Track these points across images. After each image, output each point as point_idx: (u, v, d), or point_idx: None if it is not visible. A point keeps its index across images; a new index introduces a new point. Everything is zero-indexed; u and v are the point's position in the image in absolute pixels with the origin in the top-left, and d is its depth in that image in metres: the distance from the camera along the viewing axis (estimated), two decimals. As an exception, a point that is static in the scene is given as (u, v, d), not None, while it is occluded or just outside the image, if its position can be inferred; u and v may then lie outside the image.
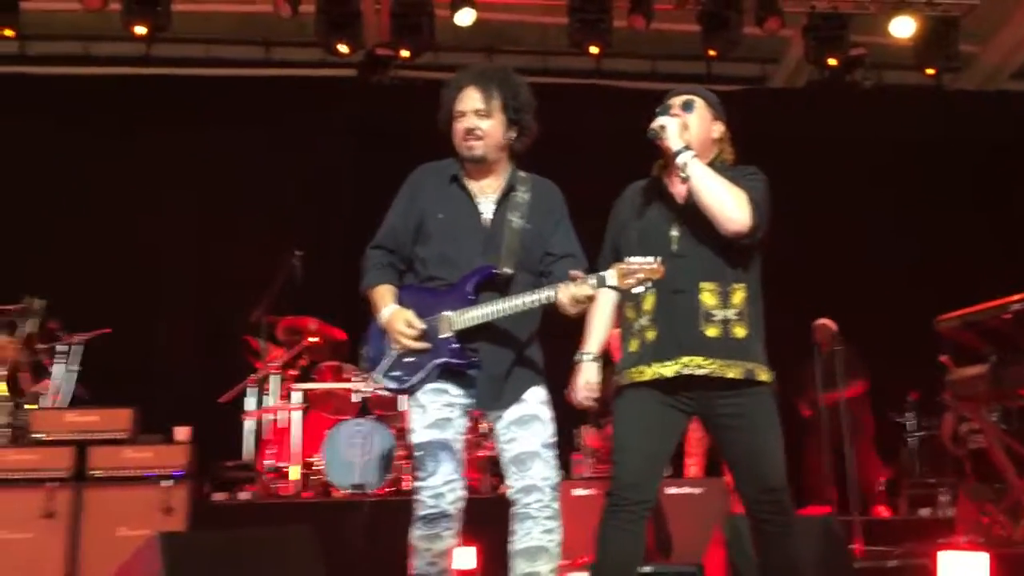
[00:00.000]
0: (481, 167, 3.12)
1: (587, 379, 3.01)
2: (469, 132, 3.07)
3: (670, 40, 8.57)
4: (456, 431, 3.01)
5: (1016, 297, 4.26)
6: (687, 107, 2.97)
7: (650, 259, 2.69)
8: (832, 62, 7.96)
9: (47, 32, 8.46)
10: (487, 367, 3.01)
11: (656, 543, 5.06)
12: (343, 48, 7.56)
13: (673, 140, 2.87)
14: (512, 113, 3.10)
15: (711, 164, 2.94)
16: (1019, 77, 9.38)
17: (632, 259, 2.70)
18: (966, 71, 9.30)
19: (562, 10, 7.68)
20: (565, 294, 2.80)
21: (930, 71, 8.16)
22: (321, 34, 7.52)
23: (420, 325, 2.98)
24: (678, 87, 3.09)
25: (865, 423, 7.01)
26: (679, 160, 2.85)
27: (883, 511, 6.73)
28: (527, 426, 2.99)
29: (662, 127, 2.88)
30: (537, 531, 2.92)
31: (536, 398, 3.05)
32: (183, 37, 8.62)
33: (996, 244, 8.60)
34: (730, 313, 2.81)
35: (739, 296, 2.84)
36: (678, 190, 2.96)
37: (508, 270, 3.01)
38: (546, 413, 3.05)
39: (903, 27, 7.79)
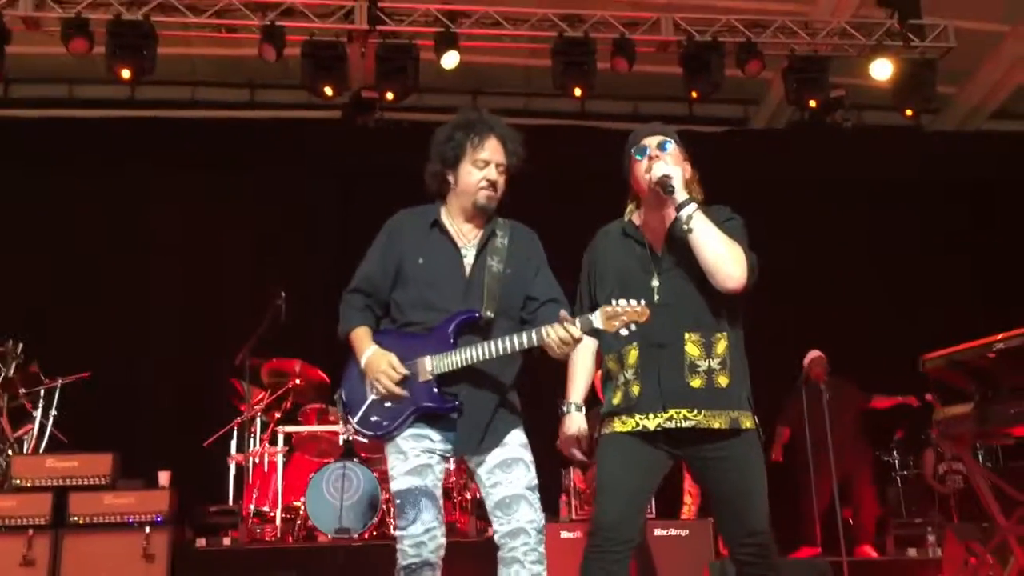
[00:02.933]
0: (474, 215, 3.13)
1: (579, 428, 2.99)
2: (492, 185, 3.09)
3: (652, 82, 8.67)
4: (435, 477, 2.99)
5: (1000, 336, 4.26)
6: (662, 147, 2.92)
7: (634, 302, 2.69)
8: (812, 104, 8.05)
9: (31, 75, 8.48)
10: (469, 412, 2.99)
11: None
12: (328, 91, 7.59)
13: (679, 191, 2.81)
14: (516, 169, 3.16)
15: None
16: (997, 117, 9.53)
17: (619, 302, 2.70)
18: (944, 112, 9.45)
19: (546, 53, 7.77)
20: (552, 337, 2.79)
21: (909, 112, 8.26)
22: (306, 77, 7.55)
23: (403, 369, 2.97)
24: (643, 127, 3.04)
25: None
26: (684, 212, 2.80)
27: (869, 551, 6.69)
28: (510, 469, 2.97)
29: (669, 176, 2.82)
30: (524, 575, 2.90)
31: (517, 441, 3.03)
32: (168, 79, 8.66)
33: (976, 283, 8.68)
34: (714, 363, 2.80)
35: (722, 345, 2.83)
36: (655, 237, 2.94)
37: (490, 314, 3.00)
38: (528, 456, 3.03)
39: (882, 69, 7.91)
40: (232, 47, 8.17)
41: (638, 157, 2.95)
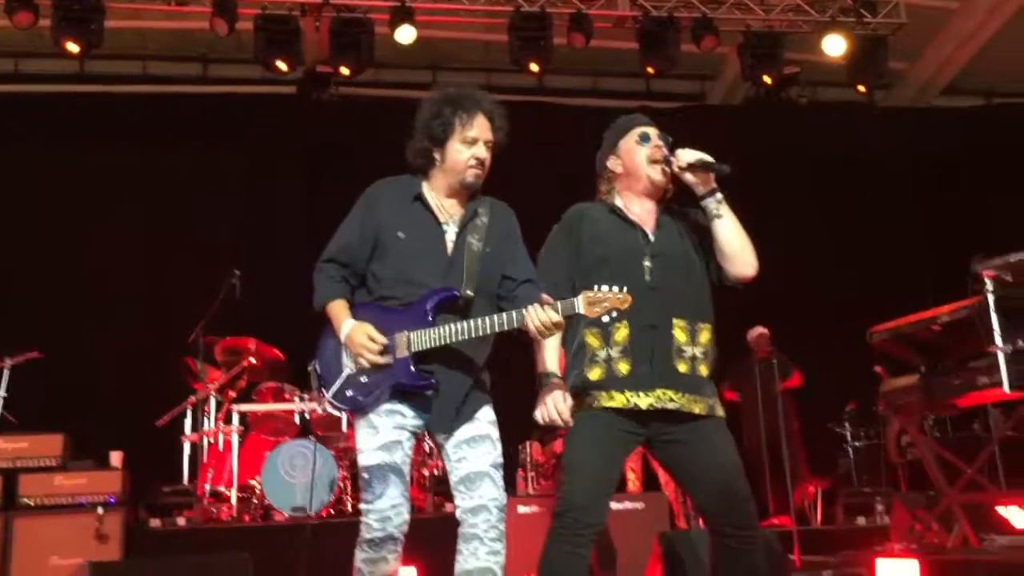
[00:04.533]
0: (459, 192, 3.08)
1: (565, 395, 2.88)
2: (480, 163, 3.03)
3: (611, 58, 8.67)
4: (404, 453, 2.96)
5: (945, 309, 4.35)
6: (664, 140, 3.01)
7: (616, 288, 2.68)
8: (767, 79, 8.10)
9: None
10: (444, 390, 2.95)
11: (599, 560, 5.07)
12: (282, 65, 7.48)
13: (707, 179, 2.91)
14: (499, 146, 3.12)
15: (664, 200, 3.01)
16: (947, 94, 9.66)
17: (601, 288, 2.68)
18: (896, 88, 9.56)
19: (504, 28, 7.72)
20: (533, 320, 2.75)
21: (861, 88, 8.35)
22: (259, 51, 7.44)
23: (382, 340, 2.91)
24: (632, 116, 3.12)
25: (793, 426, 7.12)
26: (716, 197, 2.89)
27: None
28: (477, 446, 2.95)
29: (704, 157, 2.90)
30: (483, 552, 2.88)
31: (487, 417, 3.00)
32: (119, 54, 8.50)
33: (927, 255, 8.82)
34: (697, 351, 2.85)
35: (705, 336, 2.88)
36: (643, 220, 2.96)
37: (470, 293, 2.96)
38: (495, 433, 3.00)
39: (835, 45, 7.98)
40: (184, 20, 8.03)
41: (643, 143, 2.99)
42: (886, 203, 9.20)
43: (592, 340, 2.89)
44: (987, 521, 4.55)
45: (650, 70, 7.97)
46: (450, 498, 5.79)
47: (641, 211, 2.99)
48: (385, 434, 2.93)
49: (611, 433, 2.81)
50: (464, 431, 2.96)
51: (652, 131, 3.04)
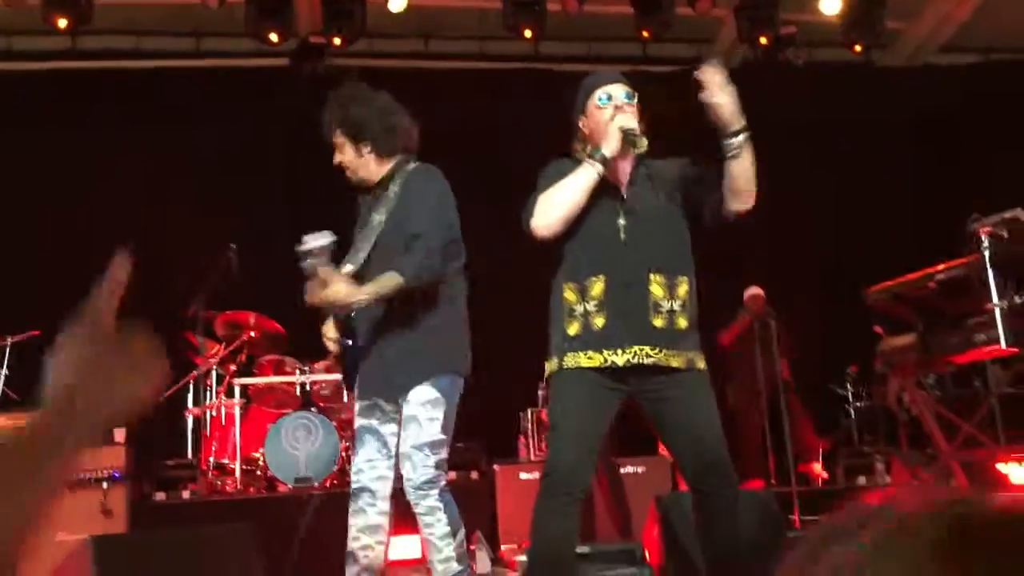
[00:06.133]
0: (367, 186, 3.34)
1: None
2: (342, 169, 3.33)
3: (605, 23, 8.59)
4: (383, 415, 3.20)
5: (940, 267, 4.34)
6: (629, 98, 2.97)
7: None
8: (764, 41, 8.04)
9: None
10: (369, 356, 3.18)
11: (619, 523, 5.11)
12: (274, 37, 7.45)
13: (737, 116, 2.82)
14: (351, 132, 3.21)
15: (638, 155, 2.97)
16: (945, 51, 9.58)
17: None
18: (893, 47, 9.48)
19: (497, -6, 7.66)
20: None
21: (858, 48, 8.28)
22: (251, 23, 7.40)
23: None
24: (602, 74, 3.07)
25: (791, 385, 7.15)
26: (740, 137, 2.81)
27: (817, 468, 6.85)
28: (406, 427, 3.10)
29: (635, 130, 2.85)
30: (421, 527, 3.07)
31: (418, 399, 3.08)
32: (110, 29, 8.43)
33: (927, 215, 8.79)
34: (675, 304, 2.84)
35: (683, 289, 2.87)
36: (618, 177, 2.95)
37: (351, 267, 3.19)
38: (425, 413, 3.06)
39: (831, 4, 7.90)
40: (175, -7, 7.98)
41: (602, 103, 2.95)
42: (884, 162, 9.15)
43: (569, 295, 2.90)
44: (986, 478, 4.58)
45: (645, 34, 7.92)
46: (452, 466, 5.87)
47: (614, 168, 2.97)
48: (361, 398, 3.22)
49: (593, 391, 2.83)
50: (403, 410, 3.12)
51: (617, 90, 2.97)
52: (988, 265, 3.97)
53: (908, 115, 9.24)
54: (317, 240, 3.06)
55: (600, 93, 2.97)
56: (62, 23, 6.95)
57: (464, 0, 8.59)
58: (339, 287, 2.98)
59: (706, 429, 2.84)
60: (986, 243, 3.98)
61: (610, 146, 2.86)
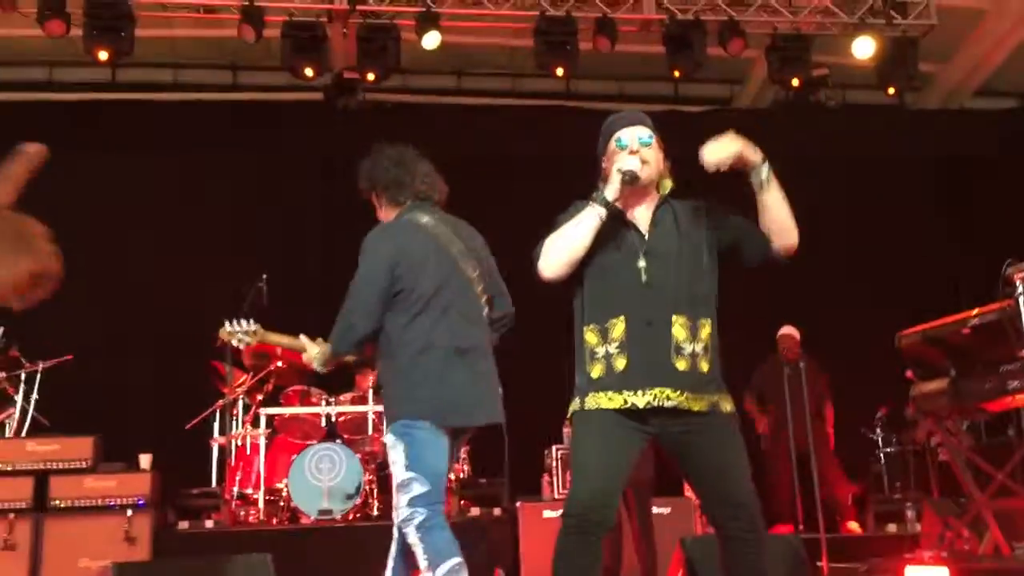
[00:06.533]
0: None
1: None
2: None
3: (637, 62, 8.65)
4: None
5: (974, 312, 4.30)
6: (644, 142, 2.95)
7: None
8: (795, 82, 8.04)
9: (9, 58, 8.41)
10: None
11: (644, 567, 5.05)
12: (309, 72, 7.55)
13: (752, 151, 2.87)
14: (367, 183, 3.53)
15: (662, 196, 2.98)
16: (979, 95, 9.53)
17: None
18: (927, 90, 9.45)
19: (529, 32, 7.73)
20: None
21: (891, 90, 8.26)
22: (287, 58, 7.51)
23: None
24: (623, 114, 3.06)
25: (826, 436, 7.03)
26: (764, 172, 2.85)
27: (854, 526, 6.74)
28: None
29: (635, 172, 2.85)
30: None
31: (387, 445, 3.25)
32: (150, 62, 8.61)
33: (958, 258, 8.70)
34: (698, 347, 2.81)
35: (706, 331, 2.84)
36: (638, 218, 2.95)
37: None
38: (391, 458, 3.21)
39: (864, 47, 7.90)
40: (214, 28, 8.12)
41: (619, 146, 2.96)
42: (917, 206, 9.09)
43: (591, 337, 2.88)
44: (1019, 528, 4.47)
45: (677, 74, 7.95)
46: (475, 502, 5.83)
47: (637, 209, 2.96)
48: None
49: (614, 431, 2.80)
50: None
51: (632, 133, 2.97)
52: (1022, 311, 3.91)
53: (942, 159, 9.20)
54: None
55: (618, 136, 2.98)
56: (103, 55, 7.09)
57: (496, 38, 8.69)
58: (307, 351, 3.47)
59: (730, 472, 2.80)
60: (1020, 289, 3.93)
61: (611, 188, 2.87)
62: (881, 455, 7.82)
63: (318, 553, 5.43)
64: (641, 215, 2.96)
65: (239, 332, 3.77)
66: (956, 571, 3.83)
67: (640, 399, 2.76)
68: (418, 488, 3.10)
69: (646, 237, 2.91)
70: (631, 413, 2.78)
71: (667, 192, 3.01)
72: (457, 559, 3.07)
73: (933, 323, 4.55)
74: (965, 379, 4.44)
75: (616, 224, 2.94)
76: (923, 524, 5.37)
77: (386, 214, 3.47)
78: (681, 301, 2.83)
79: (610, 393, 2.80)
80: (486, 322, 3.38)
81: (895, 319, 5.14)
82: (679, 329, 2.80)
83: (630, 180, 2.85)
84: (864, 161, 9.02)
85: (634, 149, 2.93)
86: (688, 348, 2.79)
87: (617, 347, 2.82)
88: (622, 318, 2.82)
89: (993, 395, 4.27)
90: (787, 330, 6.93)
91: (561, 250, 2.90)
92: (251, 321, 3.88)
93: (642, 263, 2.86)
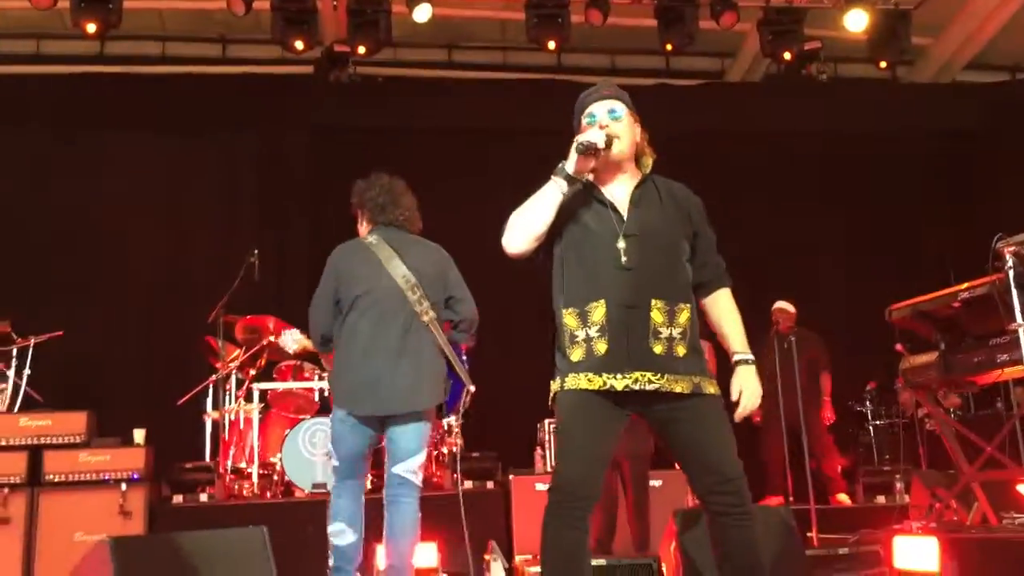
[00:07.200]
0: None
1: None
2: None
3: (629, 35, 8.61)
4: None
5: (964, 285, 4.32)
6: (613, 114, 2.94)
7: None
8: (787, 56, 8.01)
9: (-4, 30, 8.33)
10: None
11: (636, 539, 5.09)
12: (299, 45, 7.49)
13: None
14: (357, 204, 4.06)
15: (643, 174, 2.96)
16: (971, 69, 9.52)
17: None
18: (919, 63, 9.44)
19: (520, 6, 7.68)
20: None
21: (883, 64, 8.25)
22: (277, 31, 7.44)
23: None
24: (593, 89, 3.03)
25: (819, 408, 7.08)
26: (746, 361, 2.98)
27: (843, 498, 6.81)
28: None
29: (593, 143, 2.82)
30: None
31: None
32: (137, 35, 8.53)
33: (949, 231, 8.74)
34: (675, 332, 2.81)
35: (684, 316, 2.84)
36: (618, 197, 2.93)
37: None
38: None
39: (856, 21, 7.88)
40: (202, 0, 8.05)
41: (589, 122, 2.95)
42: (909, 179, 9.11)
43: (570, 320, 2.87)
44: (1007, 499, 4.53)
45: (669, 47, 7.91)
46: (469, 475, 5.87)
47: (615, 187, 2.95)
48: None
49: (596, 410, 2.81)
50: None
51: (600, 107, 2.96)
52: (1012, 285, 3.94)
53: (933, 132, 9.21)
54: None
55: (589, 111, 2.97)
56: (91, 28, 7.02)
57: (488, 11, 8.62)
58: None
59: (715, 448, 2.81)
60: (1010, 262, 3.96)
61: (570, 161, 2.86)
62: (870, 427, 7.89)
63: (312, 526, 5.46)
64: (620, 193, 2.94)
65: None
66: (945, 542, 3.88)
67: (619, 382, 2.77)
68: (333, 462, 3.88)
69: (625, 217, 2.90)
70: (609, 395, 2.80)
71: (648, 169, 2.98)
72: (341, 525, 3.79)
73: (923, 297, 4.57)
74: (954, 352, 4.47)
75: (593, 202, 2.94)
76: (912, 496, 5.43)
77: (361, 230, 4.04)
78: (660, 285, 2.83)
79: (590, 375, 2.80)
80: (418, 324, 3.81)
81: (886, 292, 5.17)
82: (657, 313, 2.80)
83: (584, 151, 2.82)
84: (856, 134, 9.02)
85: (603, 124, 2.90)
86: (665, 332, 2.80)
87: (597, 331, 2.81)
88: (602, 302, 2.81)
89: (982, 368, 4.30)
90: (781, 304, 6.96)
91: (523, 225, 2.90)
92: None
93: (621, 244, 2.84)
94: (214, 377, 6.45)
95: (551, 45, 7.70)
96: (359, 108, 8.23)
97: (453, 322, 3.97)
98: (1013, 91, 9.54)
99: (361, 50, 7.68)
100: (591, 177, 2.97)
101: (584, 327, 2.84)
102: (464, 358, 4.08)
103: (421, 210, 4.18)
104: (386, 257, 3.84)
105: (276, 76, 8.73)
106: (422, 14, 7.48)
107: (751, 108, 9.00)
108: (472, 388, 3.98)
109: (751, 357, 2.96)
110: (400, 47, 8.72)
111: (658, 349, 2.79)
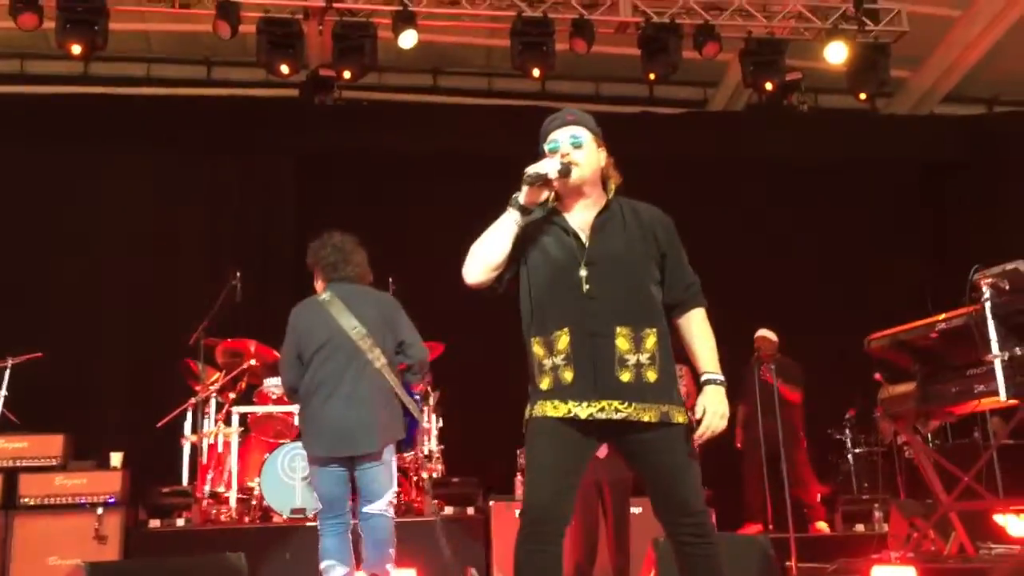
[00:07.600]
0: None
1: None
2: None
3: (613, 63, 8.69)
4: None
5: (942, 316, 4.35)
6: (575, 142, 2.92)
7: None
8: (769, 86, 8.10)
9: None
10: None
11: (615, 566, 5.08)
12: (285, 68, 7.50)
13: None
14: (311, 263, 4.35)
15: (608, 198, 2.94)
16: (949, 101, 9.67)
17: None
18: (898, 95, 9.58)
19: (506, 33, 7.73)
20: None
21: (863, 96, 8.36)
22: (262, 54, 7.46)
23: None
24: (555, 115, 3.01)
25: (800, 438, 7.10)
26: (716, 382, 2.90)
27: (823, 526, 6.82)
28: None
29: (538, 174, 2.81)
30: None
31: None
32: (123, 56, 8.53)
33: (927, 262, 8.84)
34: (643, 358, 2.79)
35: (651, 341, 2.82)
36: (580, 224, 2.91)
37: None
38: None
39: (836, 53, 7.98)
40: (189, 23, 8.06)
41: (551, 150, 2.93)
42: (888, 210, 9.21)
43: (537, 349, 2.87)
44: (984, 529, 4.56)
45: (652, 76, 7.98)
46: (449, 501, 5.89)
47: (578, 213, 2.94)
48: None
49: (563, 436, 2.81)
50: None
51: (562, 134, 2.94)
52: (989, 316, 3.98)
53: (912, 163, 9.34)
54: None
55: (552, 138, 2.96)
56: (76, 49, 7.00)
57: (473, 37, 8.69)
58: None
59: (680, 481, 2.80)
60: (987, 294, 4.00)
61: (521, 193, 2.87)
62: (849, 456, 7.91)
63: (290, 552, 5.42)
64: (582, 220, 2.92)
65: None
66: (922, 571, 3.90)
67: (583, 411, 2.76)
68: (318, 504, 4.18)
69: (587, 244, 2.88)
70: (576, 422, 2.80)
71: (612, 193, 2.96)
72: (331, 561, 4.06)
73: (902, 327, 4.61)
74: (932, 382, 4.50)
75: (556, 229, 2.93)
76: (890, 525, 5.45)
77: (317, 286, 4.36)
78: (624, 312, 2.81)
79: (556, 402, 2.80)
80: (371, 371, 4.08)
81: (865, 322, 5.21)
82: (622, 340, 2.78)
83: (532, 182, 2.82)
84: (835, 165, 9.13)
85: (564, 152, 2.89)
86: (632, 359, 2.78)
87: (563, 359, 2.80)
88: (566, 330, 2.80)
89: (959, 399, 4.33)
90: (763, 332, 6.99)
91: (480, 255, 2.90)
92: None
93: (583, 272, 2.83)
94: (193, 400, 6.41)
95: (536, 72, 7.75)
96: (344, 132, 8.25)
97: (407, 364, 4.28)
98: (990, 123, 9.69)
99: (347, 74, 7.70)
100: (555, 204, 2.97)
101: (551, 356, 2.83)
102: (417, 396, 4.44)
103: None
104: (338, 311, 4.15)
105: (261, 99, 8.75)
106: (408, 40, 7.52)
107: (733, 137, 9.09)
108: (426, 425, 4.44)
109: (720, 378, 2.90)
110: (385, 72, 8.76)
111: (626, 377, 2.78)
